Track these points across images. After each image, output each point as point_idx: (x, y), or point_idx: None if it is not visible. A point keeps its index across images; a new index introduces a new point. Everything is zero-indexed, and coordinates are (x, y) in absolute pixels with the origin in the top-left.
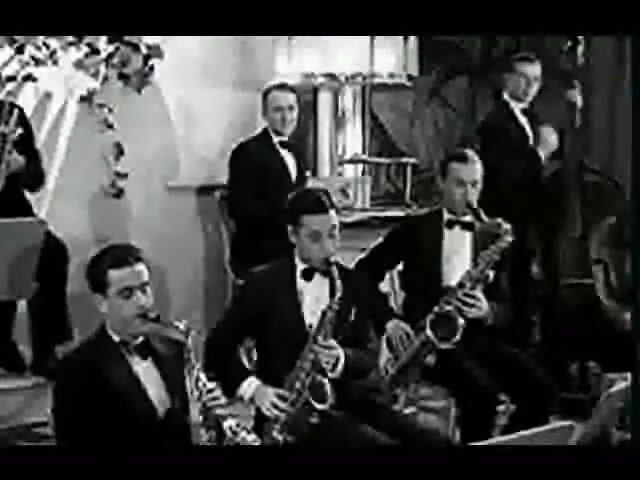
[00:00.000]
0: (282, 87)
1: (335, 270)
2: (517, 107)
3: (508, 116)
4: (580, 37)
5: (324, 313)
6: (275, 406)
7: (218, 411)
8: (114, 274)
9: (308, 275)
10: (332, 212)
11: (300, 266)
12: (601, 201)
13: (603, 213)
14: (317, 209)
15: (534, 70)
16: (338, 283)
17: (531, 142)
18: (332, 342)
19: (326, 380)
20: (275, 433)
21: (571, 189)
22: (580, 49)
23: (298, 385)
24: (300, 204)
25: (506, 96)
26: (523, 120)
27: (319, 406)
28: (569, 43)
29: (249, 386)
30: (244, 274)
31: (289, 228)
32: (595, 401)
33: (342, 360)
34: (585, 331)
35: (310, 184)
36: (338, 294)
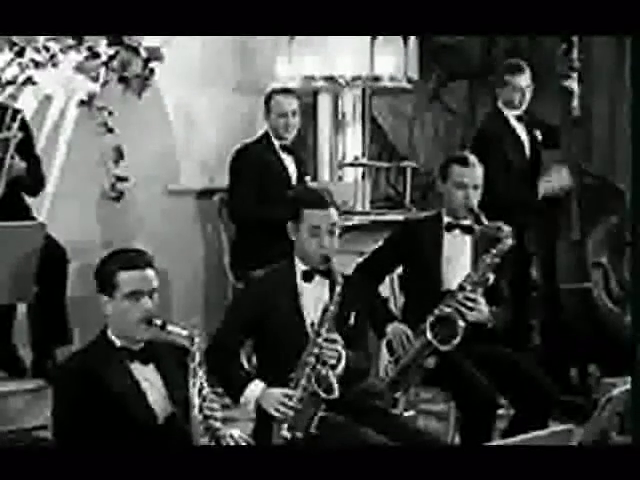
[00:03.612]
0: (285, 92)
1: (334, 266)
2: (512, 114)
3: (503, 124)
4: (574, 39)
5: (326, 308)
6: (283, 405)
7: (215, 422)
8: (124, 276)
9: (308, 277)
10: (332, 209)
11: (300, 268)
12: (599, 204)
13: (601, 216)
14: (318, 204)
15: (525, 79)
16: (339, 278)
17: (527, 149)
18: (336, 336)
19: (330, 372)
20: (284, 432)
21: (569, 193)
22: (575, 52)
23: (304, 381)
24: (302, 199)
25: (500, 104)
26: (518, 127)
27: (327, 396)
28: (564, 46)
29: (254, 390)
30: (244, 278)
31: (289, 224)
32: (595, 405)
33: (344, 357)
34: (584, 335)
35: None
36: (339, 288)
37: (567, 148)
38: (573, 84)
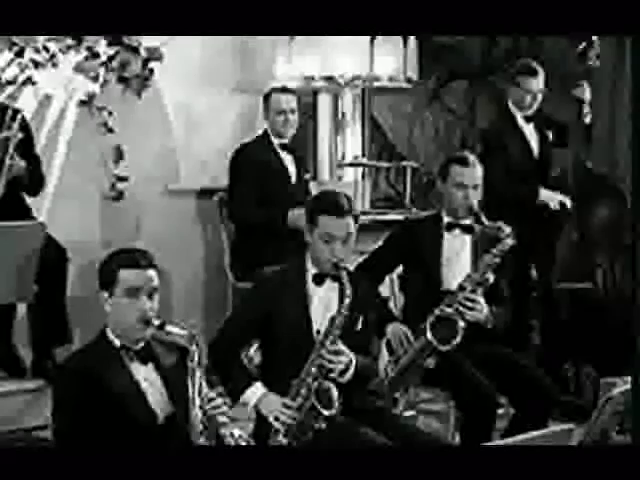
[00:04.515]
0: (284, 90)
1: (345, 276)
2: (520, 114)
3: (510, 124)
4: (595, 39)
5: (333, 319)
6: (282, 413)
7: (220, 419)
8: (124, 273)
9: (319, 280)
10: (349, 218)
11: (311, 270)
12: (599, 204)
13: (601, 216)
14: (334, 212)
15: (538, 83)
16: (348, 290)
17: (535, 150)
18: (341, 347)
19: (333, 386)
20: (280, 438)
21: (570, 192)
22: (593, 52)
23: (304, 391)
24: (319, 204)
25: (510, 104)
26: (526, 127)
27: (326, 412)
28: (582, 45)
29: (254, 393)
30: (253, 275)
31: (305, 226)
32: (594, 404)
33: (353, 366)
34: (584, 334)
35: (310, 187)
36: (347, 300)
37: (576, 150)
38: (583, 92)
